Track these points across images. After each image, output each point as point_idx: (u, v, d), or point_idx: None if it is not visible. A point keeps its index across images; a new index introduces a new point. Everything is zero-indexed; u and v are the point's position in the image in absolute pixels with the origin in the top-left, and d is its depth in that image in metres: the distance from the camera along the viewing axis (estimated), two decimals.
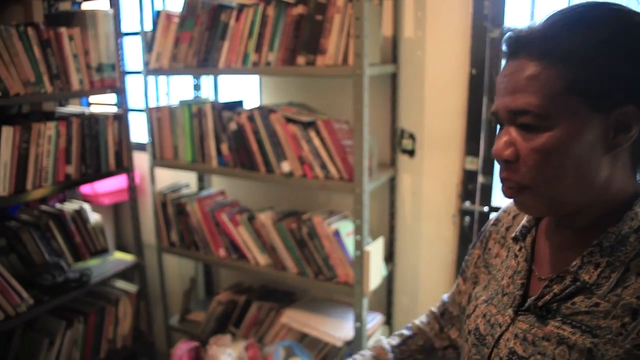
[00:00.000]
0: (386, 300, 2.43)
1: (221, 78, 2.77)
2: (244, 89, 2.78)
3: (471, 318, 1.00)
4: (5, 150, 2.08)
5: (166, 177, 2.85)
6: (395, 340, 1.23)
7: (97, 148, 2.44)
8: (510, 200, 1.09)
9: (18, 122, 2.14)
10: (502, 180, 0.84)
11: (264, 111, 2.15)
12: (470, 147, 2.12)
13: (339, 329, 2.21)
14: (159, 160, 2.54)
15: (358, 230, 2.02)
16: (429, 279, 2.32)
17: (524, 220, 0.98)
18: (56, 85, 2.24)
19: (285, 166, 2.13)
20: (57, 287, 2.30)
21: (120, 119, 2.52)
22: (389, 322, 2.43)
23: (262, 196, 2.63)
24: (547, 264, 0.90)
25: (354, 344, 2.15)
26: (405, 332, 1.26)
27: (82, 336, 2.47)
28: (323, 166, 2.06)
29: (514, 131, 0.81)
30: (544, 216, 0.94)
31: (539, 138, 0.77)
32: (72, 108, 2.87)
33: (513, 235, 0.98)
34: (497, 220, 1.10)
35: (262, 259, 2.32)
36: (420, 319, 1.28)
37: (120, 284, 2.76)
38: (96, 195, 2.94)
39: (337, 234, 2.09)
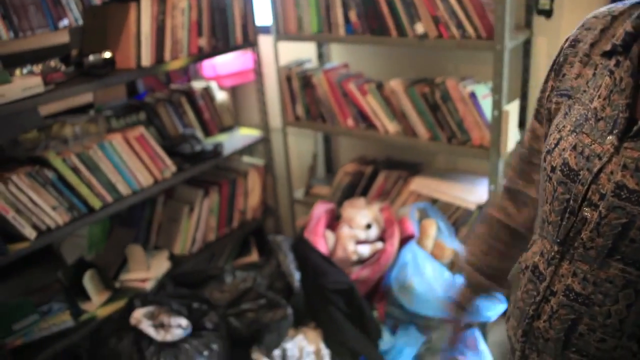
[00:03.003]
0: None
1: None
2: None
3: (554, 153, 0.85)
4: (145, 22, 2.14)
5: (286, 57, 2.86)
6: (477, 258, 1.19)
7: (225, 21, 2.47)
8: (589, 17, 0.92)
9: None
10: None
11: None
12: None
13: (470, 194, 2.23)
14: (282, 34, 2.55)
15: (497, 90, 1.98)
16: None
17: (627, 26, 0.80)
18: None
19: (419, 28, 2.09)
20: (195, 156, 2.42)
21: None
22: None
23: (385, 67, 2.60)
24: None
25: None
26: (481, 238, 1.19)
27: (217, 205, 2.62)
28: (459, 25, 2.00)
29: None
30: None
31: None
32: None
33: (608, 47, 0.83)
34: (576, 40, 0.91)
35: (391, 127, 2.33)
36: (494, 203, 1.18)
37: (248, 159, 2.88)
38: (218, 77, 3.01)
39: (473, 95, 2.06)
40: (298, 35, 2.49)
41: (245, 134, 2.80)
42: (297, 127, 2.69)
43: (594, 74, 0.84)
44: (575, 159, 0.81)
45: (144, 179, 2.24)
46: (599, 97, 0.81)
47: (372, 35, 2.23)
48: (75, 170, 2.05)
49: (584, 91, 0.85)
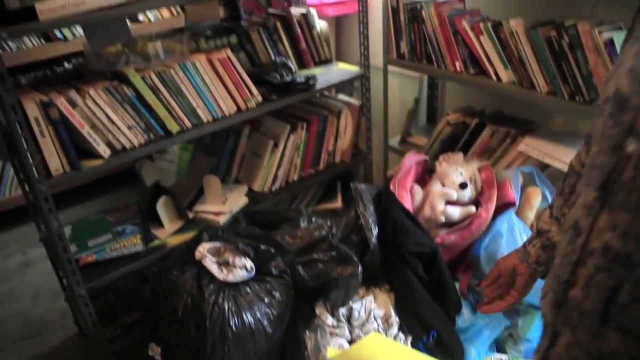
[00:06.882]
0: None
1: None
2: None
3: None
4: None
5: None
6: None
7: None
8: None
9: None
10: None
11: None
12: None
13: None
14: None
15: None
16: None
17: None
18: None
19: None
20: (285, 86, 2.24)
21: None
22: None
23: (508, 4, 2.25)
24: None
25: None
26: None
27: (304, 143, 2.44)
28: None
29: None
30: None
31: None
32: None
33: None
34: None
35: (505, 75, 2.02)
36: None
37: (343, 97, 2.66)
38: (321, 4, 2.79)
39: (610, 44, 1.71)
40: None
41: (343, 69, 2.56)
42: (400, 67, 2.43)
43: None
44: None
45: (226, 107, 2.10)
46: None
47: None
48: (154, 89, 1.94)
49: None
